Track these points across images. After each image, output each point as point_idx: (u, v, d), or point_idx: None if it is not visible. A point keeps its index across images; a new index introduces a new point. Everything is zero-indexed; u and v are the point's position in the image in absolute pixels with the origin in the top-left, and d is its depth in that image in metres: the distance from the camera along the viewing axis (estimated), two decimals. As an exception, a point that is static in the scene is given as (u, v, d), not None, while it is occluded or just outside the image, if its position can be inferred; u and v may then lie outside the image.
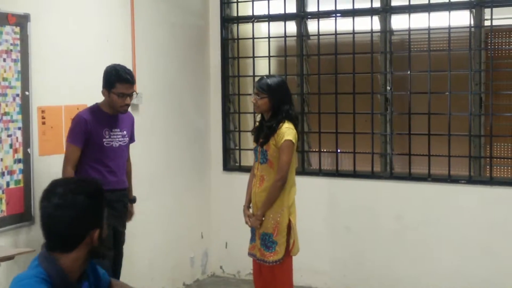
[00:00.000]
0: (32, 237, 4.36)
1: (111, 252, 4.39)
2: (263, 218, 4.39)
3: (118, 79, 4.34)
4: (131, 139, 4.68)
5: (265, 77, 4.55)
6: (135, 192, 4.83)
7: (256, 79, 6.11)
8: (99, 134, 4.37)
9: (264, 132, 4.42)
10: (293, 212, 4.45)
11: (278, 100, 4.40)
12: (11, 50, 4.31)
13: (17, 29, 4.36)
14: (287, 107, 4.44)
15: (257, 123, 4.62)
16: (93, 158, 4.37)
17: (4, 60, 4.27)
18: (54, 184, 2.27)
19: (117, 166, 4.47)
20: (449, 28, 5.44)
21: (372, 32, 5.72)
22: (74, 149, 4.33)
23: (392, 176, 5.72)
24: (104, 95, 4.42)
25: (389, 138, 5.73)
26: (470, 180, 5.42)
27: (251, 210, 4.56)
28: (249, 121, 6.27)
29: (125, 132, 4.54)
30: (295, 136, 4.39)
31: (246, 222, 4.53)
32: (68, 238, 2.20)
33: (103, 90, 4.40)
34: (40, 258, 2.22)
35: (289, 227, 4.40)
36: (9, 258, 3.74)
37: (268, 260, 4.39)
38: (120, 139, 4.50)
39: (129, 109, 4.57)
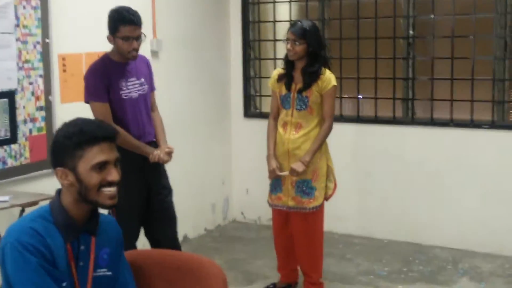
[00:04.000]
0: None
1: (131, 222, 3.98)
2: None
3: (121, 21, 3.88)
4: (152, 86, 4.27)
5: (299, 22, 4.34)
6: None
7: (277, 24, 6.13)
8: (116, 86, 3.96)
9: (306, 78, 4.28)
10: (330, 158, 4.43)
11: (315, 46, 4.26)
12: (30, -3, 4.30)
13: (36, -24, 4.33)
14: (324, 52, 4.35)
15: (282, 70, 4.43)
16: (114, 117, 3.95)
17: (24, 7, 4.26)
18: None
19: (139, 120, 4.07)
20: (474, -30, 5.32)
21: (395, -25, 5.61)
22: (103, 106, 3.91)
23: (414, 121, 5.68)
24: (110, 42, 3.97)
25: (411, 83, 5.68)
26: (493, 125, 5.37)
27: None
28: (270, 68, 6.23)
29: (142, 80, 4.11)
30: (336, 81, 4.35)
31: (271, 172, 4.35)
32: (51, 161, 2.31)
33: (109, 36, 3.95)
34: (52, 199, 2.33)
35: (327, 172, 4.39)
36: (33, 203, 3.79)
37: (308, 207, 4.32)
38: (138, 89, 4.06)
39: (149, 56, 4.41)
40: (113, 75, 3.97)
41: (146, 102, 4.15)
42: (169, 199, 4.25)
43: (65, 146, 2.24)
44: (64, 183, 2.26)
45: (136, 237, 4.19)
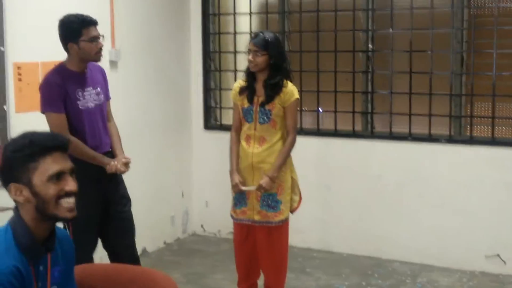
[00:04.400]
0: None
1: (88, 235, 3.94)
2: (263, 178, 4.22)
3: (82, 24, 3.82)
4: (108, 95, 4.17)
5: (260, 33, 4.30)
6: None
7: (237, 36, 6.13)
8: (73, 96, 3.87)
9: (268, 91, 4.23)
10: (294, 170, 4.40)
11: (277, 57, 4.22)
12: (-16, 4, 4.22)
13: (-9, -18, 4.25)
14: (286, 64, 4.32)
15: (243, 83, 4.37)
16: (68, 125, 3.87)
17: (-22, 14, 4.17)
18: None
19: (95, 130, 3.99)
20: (432, -15, 5.39)
21: (354, -11, 5.66)
22: (59, 117, 3.83)
23: (373, 135, 5.72)
24: (71, 50, 3.86)
25: (371, 96, 5.71)
26: (451, 139, 5.43)
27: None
28: (230, 80, 6.21)
29: (98, 89, 4.03)
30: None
31: (235, 187, 4.30)
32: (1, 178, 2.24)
33: (69, 45, 3.84)
34: (12, 215, 2.22)
35: (292, 185, 4.36)
36: (-15, 215, 3.69)
37: (274, 221, 4.28)
38: (94, 98, 3.99)
39: (107, 66, 4.35)
40: (70, 85, 3.88)
41: (102, 112, 4.08)
42: (127, 209, 4.18)
43: (16, 159, 2.17)
44: (20, 199, 2.18)
45: (93, 249, 4.11)
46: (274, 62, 4.22)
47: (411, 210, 5.56)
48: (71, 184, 2.21)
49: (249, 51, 4.25)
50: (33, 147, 2.18)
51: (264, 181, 4.23)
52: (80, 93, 3.92)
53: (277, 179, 4.28)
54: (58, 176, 2.18)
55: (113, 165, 3.97)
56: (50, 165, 2.18)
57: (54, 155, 2.19)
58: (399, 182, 5.59)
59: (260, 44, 4.20)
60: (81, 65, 3.94)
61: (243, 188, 4.29)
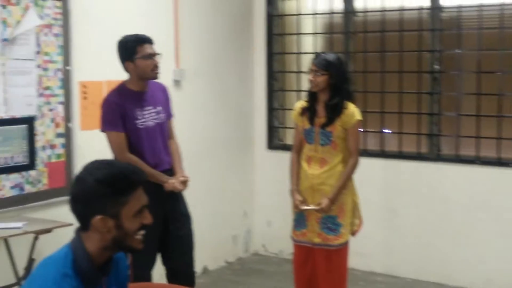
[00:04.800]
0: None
1: (152, 245, 4.01)
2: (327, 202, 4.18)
3: (137, 42, 3.92)
4: (170, 114, 4.23)
5: (322, 53, 4.32)
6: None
7: (301, 56, 6.11)
8: (132, 115, 3.93)
9: (328, 113, 4.20)
10: (356, 193, 4.34)
11: (338, 78, 4.19)
12: (52, 25, 4.35)
13: (59, 4, 4.38)
14: (347, 86, 4.28)
15: (304, 103, 4.35)
16: (130, 146, 3.95)
17: (46, 34, 4.30)
18: (91, 162, 2.25)
19: (155, 148, 4.04)
20: (502, 4, 5.23)
21: (421, 9, 5.55)
22: (118, 135, 3.91)
23: (439, 157, 5.57)
24: (129, 69, 3.96)
25: (437, 118, 5.58)
26: (521, 164, 5.24)
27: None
28: (294, 99, 6.18)
29: (159, 108, 4.08)
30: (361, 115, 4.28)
31: (296, 207, 4.28)
32: (77, 214, 2.18)
33: (126, 64, 3.94)
34: (73, 238, 2.20)
35: (353, 208, 4.30)
36: (47, 231, 3.77)
37: (333, 244, 4.23)
38: (154, 117, 4.03)
39: (171, 85, 4.39)
40: (129, 104, 3.95)
41: (163, 131, 4.12)
42: (187, 226, 4.21)
43: (105, 192, 2.16)
44: (104, 231, 2.17)
45: (151, 266, 4.13)
46: (334, 83, 4.18)
47: (480, 236, 5.37)
48: (148, 218, 2.24)
49: (310, 71, 4.24)
50: (126, 181, 2.18)
51: (324, 202, 4.18)
52: (139, 112, 3.97)
53: (338, 202, 4.22)
54: (140, 211, 2.22)
55: (171, 183, 4.01)
56: (137, 200, 2.20)
57: (139, 190, 2.22)
58: (467, 207, 5.42)
59: (321, 64, 4.18)
60: (141, 84, 4.00)
61: (304, 207, 4.25)
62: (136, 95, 4.00)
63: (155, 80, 4.11)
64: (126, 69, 3.98)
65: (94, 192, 2.15)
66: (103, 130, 3.98)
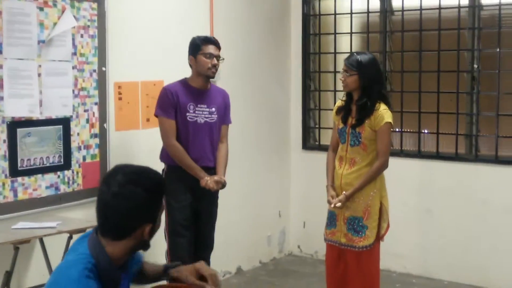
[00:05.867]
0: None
1: (188, 232, 4.27)
2: (351, 201, 4.17)
3: (203, 41, 4.25)
4: (225, 118, 4.43)
5: (355, 53, 4.28)
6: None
7: (338, 56, 6.06)
8: (183, 108, 4.20)
9: (358, 114, 4.17)
10: (385, 196, 4.26)
11: (368, 79, 4.13)
12: (88, 26, 4.38)
13: (95, 5, 4.41)
14: (379, 86, 4.20)
15: (342, 102, 4.33)
16: (177, 138, 4.22)
17: (82, 36, 4.33)
18: (116, 171, 2.23)
19: (200, 143, 4.24)
20: (544, 2, 5.13)
21: (459, 7, 5.46)
22: (168, 122, 4.19)
23: (478, 158, 5.47)
24: (191, 64, 4.27)
25: (475, 118, 5.48)
26: (562, 165, 5.11)
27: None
28: (330, 100, 6.15)
29: (213, 109, 4.30)
30: (393, 117, 4.20)
31: (329, 201, 4.27)
32: (120, 228, 2.17)
33: (190, 58, 4.27)
34: (90, 243, 2.19)
35: (381, 211, 4.23)
36: (81, 231, 3.79)
37: (357, 246, 4.19)
38: (206, 116, 4.27)
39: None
40: (184, 97, 4.22)
41: (212, 130, 4.32)
42: (209, 227, 4.44)
43: (156, 201, 2.21)
44: (144, 239, 2.21)
45: (191, 248, 4.28)
46: (364, 83, 4.13)
47: (519, 238, 5.26)
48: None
49: (342, 71, 4.23)
50: (163, 186, 2.26)
51: (339, 198, 4.18)
52: (192, 107, 4.24)
53: (364, 203, 4.18)
54: None
55: (205, 179, 4.22)
56: (162, 203, 2.28)
57: None
58: (506, 208, 5.31)
59: (351, 64, 4.16)
60: (200, 81, 4.28)
61: (331, 206, 4.24)
62: (194, 91, 4.26)
63: (220, 87, 4.52)
64: (190, 63, 4.28)
65: (144, 202, 2.16)
66: (156, 115, 4.27)
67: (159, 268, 2.53)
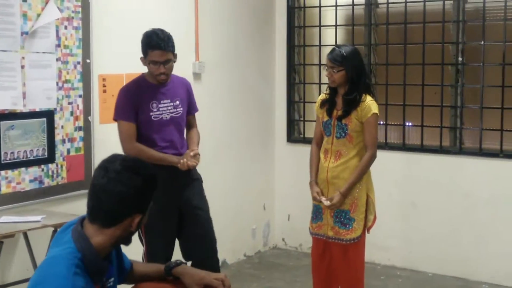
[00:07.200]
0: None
1: (162, 241, 3.99)
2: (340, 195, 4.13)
3: (148, 45, 3.83)
4: (191, 108, 4.17)
5: (336, 47, 4.20)
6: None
7: (322, 49, 6.05)
8: (146, 108, 3.90)
9: (345, 105, 4.15)
10: (371, 188, 4.26)
11: (354, 71, 4.11)
12: (72, 18, 4.33)
13: (79, -4, 4.36)
14: (364, 78, 4.19)
15: (325, 96, 4.30)
16: (142, 135, 3.91)
17: (66, 27, 4.29)
18: (115, 158, 2.25)
19: (168, 136, 3.97)
20: (527, -5, 5.15)
21: (444, 0, 5.46)
22: (129, 125, 3.88)
23: (462, 151, 5.49)
24: (144, 64, 3.94)
25: (459, 111, 5.50)
26: (545, 157, 5.15)
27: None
28: (315, 92, 6.14)
29: (178, 102, 4.02)
30: (378, 108, 4.20)
31: (314, 198, 4.25)
32: (112, 213, 2.17)
33: (142, 58, 3.92)
34: (74, 234, 2.17)
35: (367, 203, 4.23)
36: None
37: (344, 239, 4.17)
38: (171, 111, 3.98)
39: (191, 78, 4.34)
40: (145, 96, 3.92)
41: (179, 125, 4.07)
42: (201, 222, 4.10)
43: (149, 191, 2.22)
44: (131, 229, 2.22)
45: (169, 256, 4.03)
46: (352, 76, 4.12)
47: (502, 231, 5.30)
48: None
49: (326, 67, 4.18)
50: (157, 181, 2.27)
51: (335, 198, 4.13)
52: (154, 105, 3.93)
53: (351, 196, 4.16)
54: None
55: (183, 162, 3.90)
56: (152, 198, 2.28)
57: None
58: (489, 201, 5.35)
59: (336, 60, 4.11)
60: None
61: (321, 199, 4.20)
62: (153, 88, 3.96)
63: (179, 76, 4.13)
64: (142, 62, 3.95)
65: (139, 191, 2.19)
66: (114, 119, 3.97)
67: (160, 268, 2.54)
